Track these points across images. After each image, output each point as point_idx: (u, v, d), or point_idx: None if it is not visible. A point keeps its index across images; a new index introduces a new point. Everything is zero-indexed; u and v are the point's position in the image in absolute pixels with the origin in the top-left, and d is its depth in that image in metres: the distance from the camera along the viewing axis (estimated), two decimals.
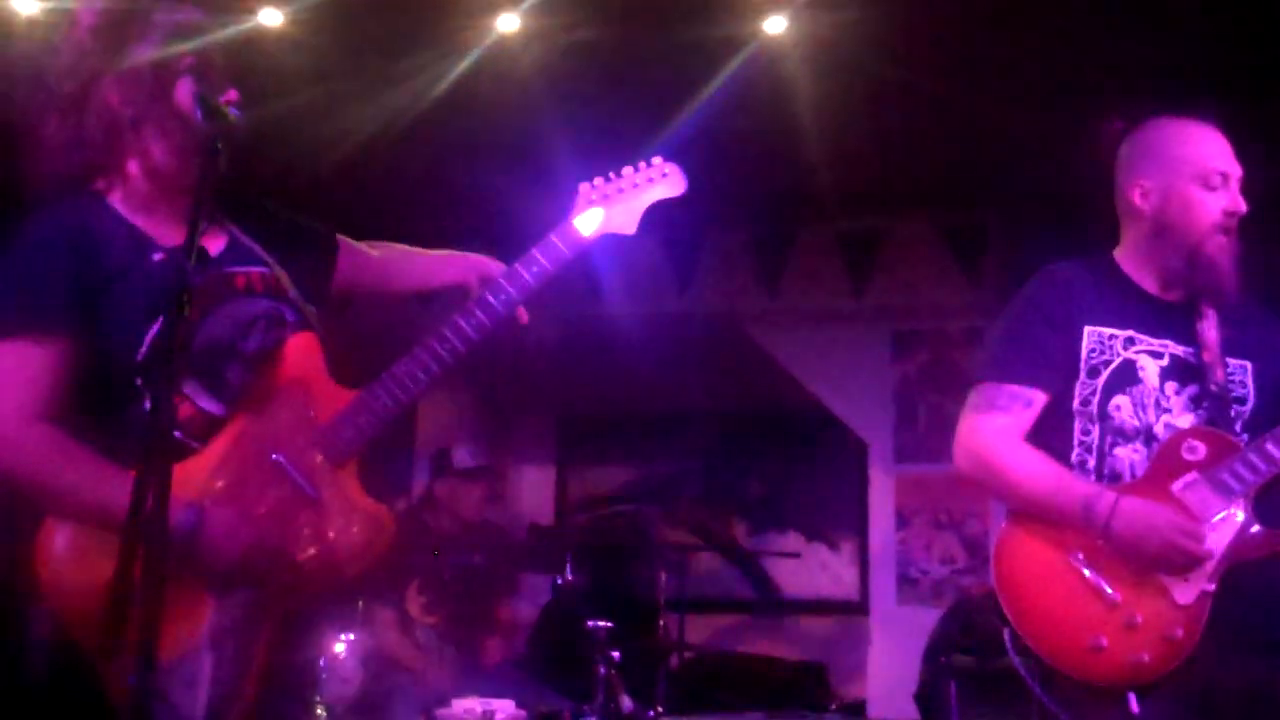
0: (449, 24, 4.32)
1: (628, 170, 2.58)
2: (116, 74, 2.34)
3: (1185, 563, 2.51)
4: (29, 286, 2.24)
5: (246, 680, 2.17)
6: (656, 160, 2.60)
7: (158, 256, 2.30)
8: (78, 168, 2.34)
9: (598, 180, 2.57)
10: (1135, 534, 2.51)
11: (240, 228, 2.45)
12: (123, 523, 1.80)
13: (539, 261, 2.47)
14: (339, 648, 4.79)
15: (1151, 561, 2.51)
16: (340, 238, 2.69)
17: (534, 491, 7.76)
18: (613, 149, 5.03)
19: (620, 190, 2.56)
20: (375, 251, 2.73)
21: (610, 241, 2.56)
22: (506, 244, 6.78)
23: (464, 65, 4.39)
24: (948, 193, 5.89)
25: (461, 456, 5.61)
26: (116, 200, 2.35)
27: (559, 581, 5.87)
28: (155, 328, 2.22)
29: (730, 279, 6.43)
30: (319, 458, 2.30)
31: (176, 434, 2.16)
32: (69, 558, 2.17)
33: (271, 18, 4.26)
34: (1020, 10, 4.27)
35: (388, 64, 4.51)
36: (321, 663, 4.81)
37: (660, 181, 2.58)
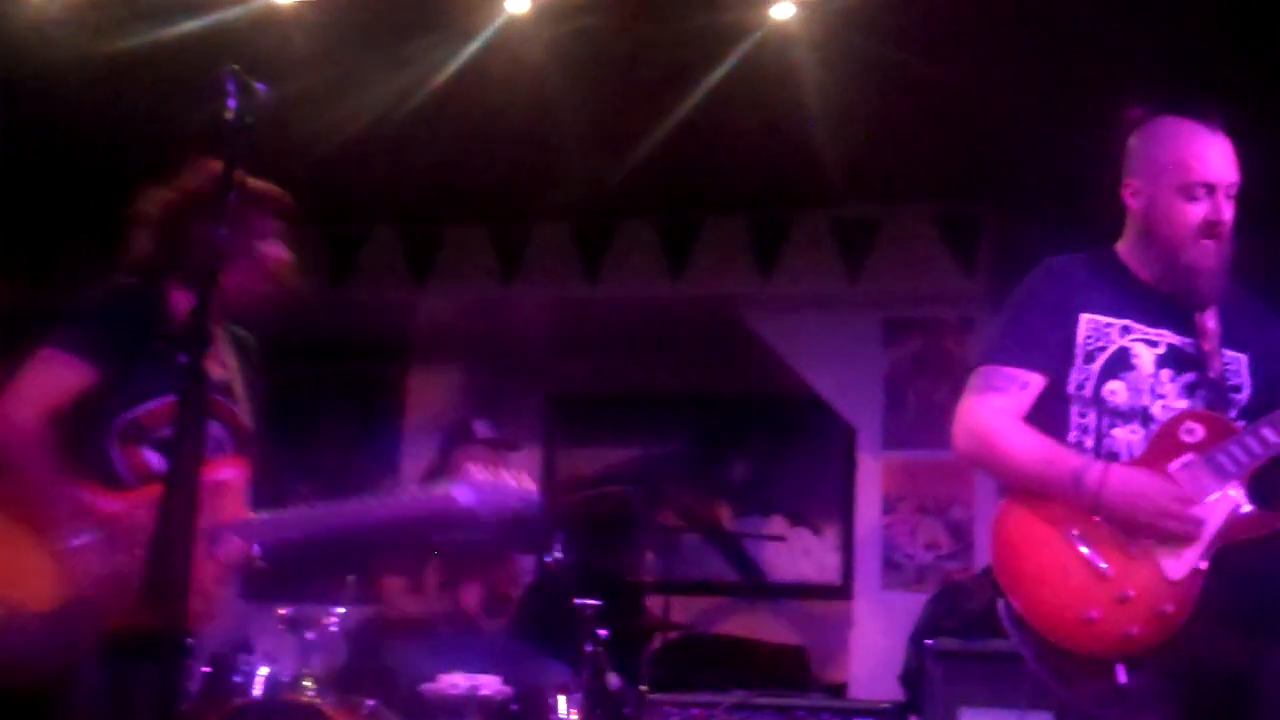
0: (459, 5, 4.34)
1: (505, 474, 3.36)
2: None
3: (1176, 529, 2.56)
4: (96, 323, 2.91)
5: None
6: (528, 480, 3.37)
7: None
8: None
9: (480, 467, 3.33)
10: (1125, 501, 2.56)
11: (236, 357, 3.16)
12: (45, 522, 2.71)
13: (400, 500, 3.27)
14: (328, 620, 4.83)
15: (1143, 528, 2.56)
16: None
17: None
18: (618, 131, 5.10)
19: (493, 484, 3.31)
20: None
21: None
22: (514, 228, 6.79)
23: (474, 47, 4.40)
24: (945, 182, 5.93)
25: (482, 428, 5.63)
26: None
27: (547, 560, 5.91)
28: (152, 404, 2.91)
29: (725, 262, 6.46)
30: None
31: (123, 474, 2.89)
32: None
33: None
34: (1025, 1, 4.31)
35: (398, 46, 4.51)
36: (310, 636, 4.85)
37: (518, 502, 3.34)
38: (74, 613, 2.78)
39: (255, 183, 3.03)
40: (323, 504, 3.18)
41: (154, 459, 2.94)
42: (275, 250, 3.13)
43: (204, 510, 2.74)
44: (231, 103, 2.25)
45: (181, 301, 2.96)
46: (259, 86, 2.32)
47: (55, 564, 2.77)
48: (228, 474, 3.08)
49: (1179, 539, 2.56)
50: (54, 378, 2.84)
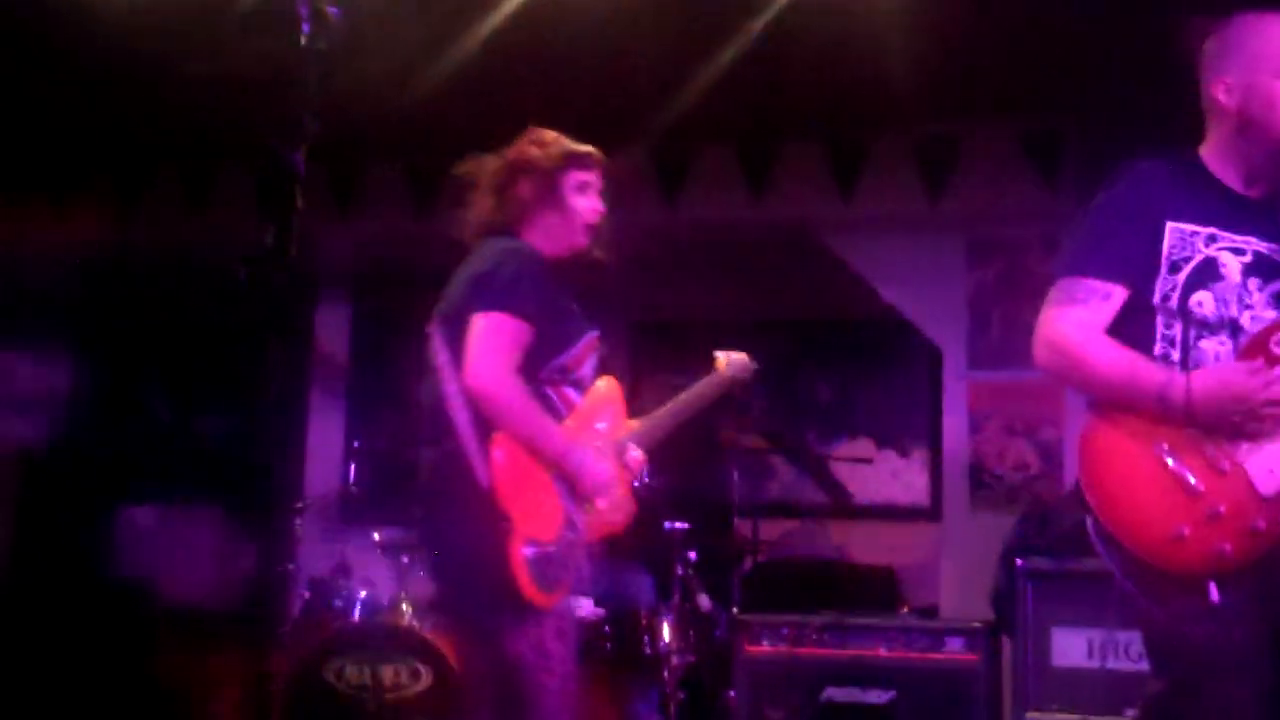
0: None
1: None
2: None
3: (1274, 409, 2.50)
4: (525, 287, 3.22)
5: None
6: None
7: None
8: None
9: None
10: (1217, 403, 2.51)
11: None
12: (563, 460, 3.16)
13: (706, 386, 3.96)
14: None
15: (1243, 426, 2.51)
16: None
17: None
18: (686, 59, 5.08)
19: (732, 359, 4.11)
20: None
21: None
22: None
23: None
24: (1026, 99, 5.80)
25: None
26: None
27: (636, 485, 5.99)
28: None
29: (805, 185, 6.41)
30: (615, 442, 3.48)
31: (561, 411, 3.25)
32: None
33: None
34: None
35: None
36: (406, 560, 4.98)
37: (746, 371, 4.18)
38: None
39: (568, 144, 3.44)
40: (669, 404, 3.72)
41: (573, 395, 3.31)
42: (587, 205, 3.46)
43: (612, 428, 3.46)
44: (304, 26, 2.27)
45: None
46: (332, 10, 2.33)
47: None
48: (615, 394, 3.54)
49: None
50: (511, 340, 3.13)
